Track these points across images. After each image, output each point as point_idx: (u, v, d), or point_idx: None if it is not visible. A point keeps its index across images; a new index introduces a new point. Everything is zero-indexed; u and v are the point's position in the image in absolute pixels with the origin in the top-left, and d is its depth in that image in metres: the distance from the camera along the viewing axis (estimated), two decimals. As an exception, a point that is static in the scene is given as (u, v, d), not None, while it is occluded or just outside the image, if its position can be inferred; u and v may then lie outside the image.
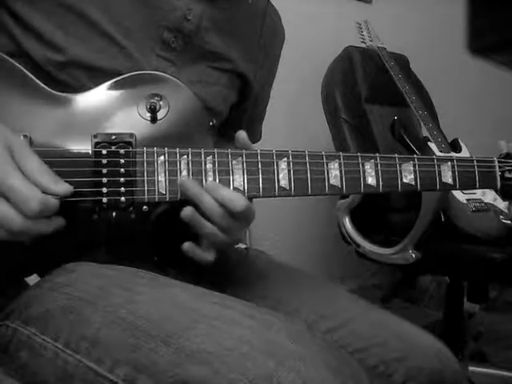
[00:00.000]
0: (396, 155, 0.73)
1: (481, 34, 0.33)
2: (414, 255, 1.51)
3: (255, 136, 1.00)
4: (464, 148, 1.78)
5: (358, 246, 1.65)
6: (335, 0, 2.24)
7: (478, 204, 1.61)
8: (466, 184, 0.76)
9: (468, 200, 1.61)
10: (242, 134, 0.70)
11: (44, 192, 0.58)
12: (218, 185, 0.67)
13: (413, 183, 0.73)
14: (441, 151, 1.68)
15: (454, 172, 0.75)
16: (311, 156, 0.70)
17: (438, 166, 0.74)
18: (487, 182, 0.77)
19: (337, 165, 0.71)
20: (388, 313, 0.81)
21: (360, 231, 1.67)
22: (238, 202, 0.66)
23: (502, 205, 1.61)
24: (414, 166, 0.73)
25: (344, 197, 1.64)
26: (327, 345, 0.57)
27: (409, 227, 1.53)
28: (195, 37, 0.78)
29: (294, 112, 2.15)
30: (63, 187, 0.60)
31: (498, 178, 0.77)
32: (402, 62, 2.07)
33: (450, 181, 0.75)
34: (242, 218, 0.68)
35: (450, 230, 1.56)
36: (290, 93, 2.06)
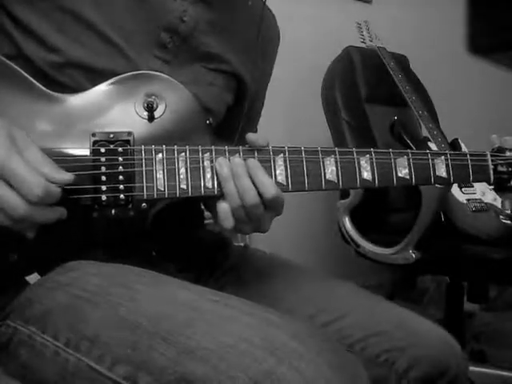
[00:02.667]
0: (390, 150, 0.74)
1: (481, 34, 0.34)
2: (413, 255, 1.51)
3: None
4: (464, 148, 1.78)
5: (358, 245, 1.65)
6: (335, 0, 2.24)
7: (477, 204, 1.61)
8: (460, 177, 0.77)
9: (468, 200, 1.61)
10: (250, 137, 0.70)
11: (46, 180, 0.59)
12: (259, 166, 0.67)
13: (408, 177, 0.74)
14: (441, 151, 1.68)
15: (447, 166, 0.76)
16: (307, 152, 0.71)
17: (432, 160, 0.75)
18: (480, 176, 0.78)
19: (333, 160, 0.71)
20: (389, 302, 0.81)
21: (360, 231, 1.67)
22: (269, 188, 0.66)
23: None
24: (409, 160, 0.74)
25: (344, 197, 1.64)
26: (327, 342, 0.57)
27: (409, 227, 1.53)
28: (191, 38, 0.79)
29: (293, 112, 2.15)
30: (65, 176, 0.61)
31: (491, 172, 0.78)
32: (402, 62, 2.07)
33: (444, 174, 0.76)
34: (270, 208, 0.68)
35: (450, 230, 1.56)
36: (289, 93, 2.06)
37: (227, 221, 0.67)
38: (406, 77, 1.89)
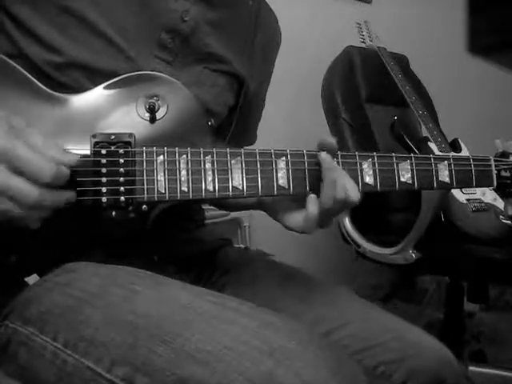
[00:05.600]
0: (393, 154, 0.73)
1: (480, 34, 0.33)
2: (414, 255, 1.51)
3: (251, 139, 1.00)
4: (464, 148, 1.78)
5: (358, 246, 1.65)
6: (335, 0, 2.24)
7: (477, 204, 1.61)
8: (463, 182, 0.76)
9: (468, 200, 1.61)
10: (326, 140, 0.71)
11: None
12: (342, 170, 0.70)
13: (410, 182, 0.73)
14: (441, 151, 1.68)
15: (450, 171, 0.75)
16: (309, 155, 0.70)
17: (435, 165, 0.75)
18: (484, 181, 0.77)
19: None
20: (388, 313, 0.81)
21: (360, 231, 1.67)
22: (357, 192, 0.68)
23: (502, 205, 1.61)
24: (411, 164, 0.73)
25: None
26: (326, 344, 0.57)
27: (409, 227, 1.53)
28: (192, 38, 0.78)
29: (293, 112, 2.15)
30: (70, 156, 0.62)
31: (495, 177, 0.78)
32: (402, 62, 2.07)
33: (446, 179, 0.75)
34: (343, 208, 0.69)
35: (449, 230, 1.56)
36: (289, 93, 2.06)
37: (314, 207, 0.68)
38: (405, 77, 1.89)
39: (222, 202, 0.96)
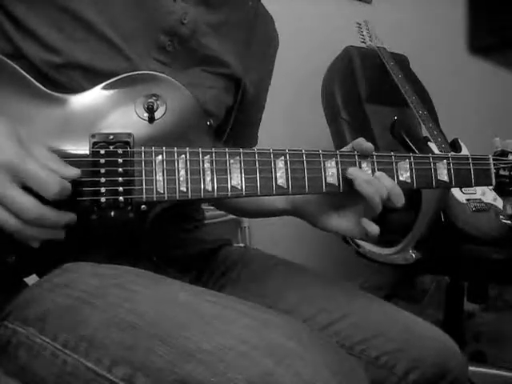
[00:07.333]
0: (392, 153, 0.73)
1: (481, 34, 0.34)
2: (414, 255, 1.51)
3: (251, 141, 1.00)
4: (464, 148, 1.78)
5: (358, 246, 1.65)
6: (335, 0, 2.24)
7: (477, 204, 1.61)
8: (462, 181, 0.77)
9: (468, 200, 1.61)
10: (358, 141, 0.72)
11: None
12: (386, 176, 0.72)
13: (409, 181, 0.74)
14: (441, 151, 1.68)
15: (449, 170, 0.76)
16: (308, 155, 0.70)
17: (434, 164, 0.75)
18: (483, 180, 0.78)
19: (334, 163, 0.71)
20: (390, 304, 0.81)
21: (360, 231, 1.66)
22: (403, 198, 0.71)
23: (501, 204, 1.62)
24: (410, 164, 0.74)
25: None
26: (326, 343, 0.57)
27: (409, 227, 1.53)
28: (191, 40, 0.78)
29: (294, 112, 2.15)
30: (73, 171, 0.62)
31: (493, 176, 0.78)
32: (402, 62, 2.07)
33: (445, 178, 0.75)
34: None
35: (449, 230, 1.56)
36: (289, 93, 2.06)
37: (373, 226, 0.77)
38: (405, 77, 1.89)
39: (240, 208, 0.96)
